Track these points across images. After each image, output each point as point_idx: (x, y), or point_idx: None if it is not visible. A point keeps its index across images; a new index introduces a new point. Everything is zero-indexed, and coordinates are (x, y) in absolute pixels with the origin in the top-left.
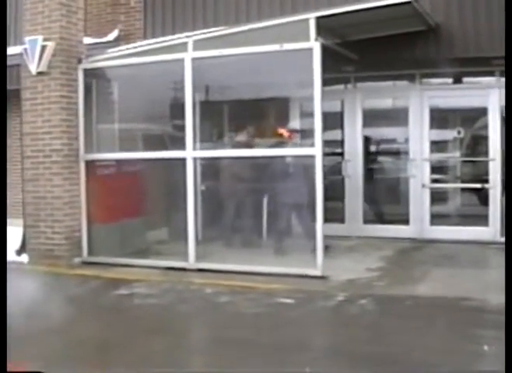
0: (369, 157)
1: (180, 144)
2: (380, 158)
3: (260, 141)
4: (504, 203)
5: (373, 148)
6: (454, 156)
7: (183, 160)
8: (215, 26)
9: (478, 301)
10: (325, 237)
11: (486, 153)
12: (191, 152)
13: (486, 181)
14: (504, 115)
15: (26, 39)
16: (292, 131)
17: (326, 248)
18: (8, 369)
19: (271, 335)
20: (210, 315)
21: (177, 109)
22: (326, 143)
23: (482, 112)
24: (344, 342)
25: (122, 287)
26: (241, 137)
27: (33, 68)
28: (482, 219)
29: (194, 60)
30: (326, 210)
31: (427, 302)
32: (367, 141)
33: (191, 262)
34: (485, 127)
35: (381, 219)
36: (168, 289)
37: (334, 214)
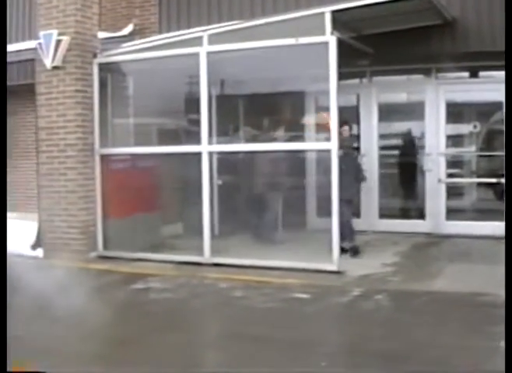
0: (385, 151)
1: (195, 138)
2: (396, 153)
3: (276, 134)
4: None
5: (389, 143)
6: (469, 151)
7: (198, 154)
8: (230, 20)
9: (493, 297)
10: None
11: (502, 147)
12: (207, 147)
13: (502, 176)
14: None
15: (41, 33)
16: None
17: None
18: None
19: (285, 330)
20: (225, 310)
21: (192, 103)
22: None
23: (498, 106)
24: (358, 338)
25: (138, 282)
26: (279, 132)
27: (47, 63)
28: (498, 214)
29: (209, 54)
30: None
31: (442, 298)
32: (383, 135)
33: (207, 256)
34: (501, 121)
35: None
36: (183, 284)
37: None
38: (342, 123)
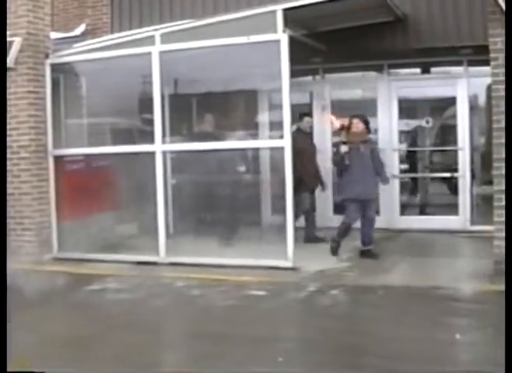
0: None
1: (149, 137)
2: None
3: (230, 133)
4: (474, 192)
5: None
6: (423, 146)
7: (152, 154)
8: (182, 19)
9: (448, 290)
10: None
11: (455, 142)
12: (160, 146)
13: (455, 170)
14: (472, 104)
15: None
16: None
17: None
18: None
19: (243, 327)
20: (182, 309)
21: (146, 102)
22: None
23: (451, 101)
24: (316, 333)
25: (93, 283)
26: (205, 126)
27: None
28: (452, 208)
29: (161, 53)
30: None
31: (398, 292)
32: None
33: (162, 256)
34: (454, 116)
35: None
36: (139, 284)
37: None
38: (352, 116)
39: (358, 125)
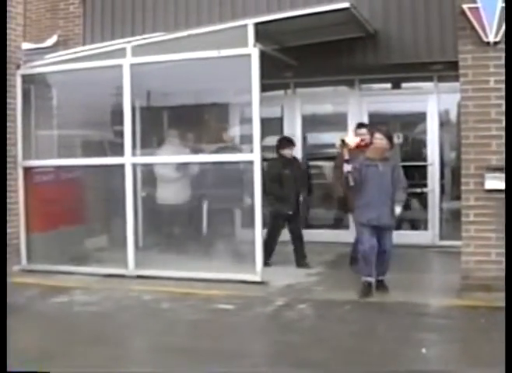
0: (309, 162)
1: (119, 150)
2: (319, 163)
3: (201, 146)
4: (443, 207)
5: (313, 153)
6: None
7: (122, 166)
8: (154, 31)
9: (416, 305)
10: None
11: (425, 158)
12: (130, 158)
13: (425, 185)
14: (442, 120)
15: None
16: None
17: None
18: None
19: (210, 342)
20: (149, 322)
21: (117, 115)
22: (266, 148)
23: (421, 117)
24: (283, 347)
25: (61, 295)
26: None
27: None
28: (423, 223)
29: (132, 66)
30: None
31: (366, 306)
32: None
33: (131, 269)
34: (424, 132)
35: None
36: (107, 296)
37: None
38: (359, 125)
39: (381, 141)
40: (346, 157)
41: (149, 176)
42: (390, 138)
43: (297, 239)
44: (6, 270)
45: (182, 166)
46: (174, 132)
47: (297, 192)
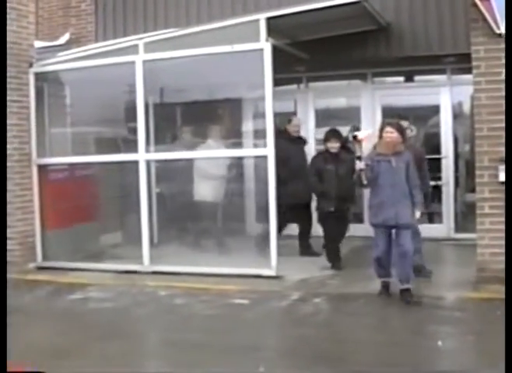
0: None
1: (133, 146)
2: None
3: (214, 141)
4: (458, 200)
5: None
6: None
7: (136, 163)
8: (166, 28)
9: (432, 298)
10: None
11: (439, 150)
12: (144, 155)
13: (439, 178)
14: (455, 112)
15: None
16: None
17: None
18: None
19: (225, 337)
20: (165, 318)
21: (130, 111)
22: None
23: (434, 110)
24: (298, 341)
25: (77, 292)
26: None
27: None
28: (436, 216)
29: (145, 62)
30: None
31: (381, 299)
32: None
33: (146, 265)
34: (438, 124)
35: None
36: (123, 292)
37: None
38: (385, 122)
39: (391, 134)
40: (358, 153)
41: (163, 172)
42: (401, 131)
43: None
44: (6, 270)
45: (223, 163)
46: (217, 128)
47: (342, 188)
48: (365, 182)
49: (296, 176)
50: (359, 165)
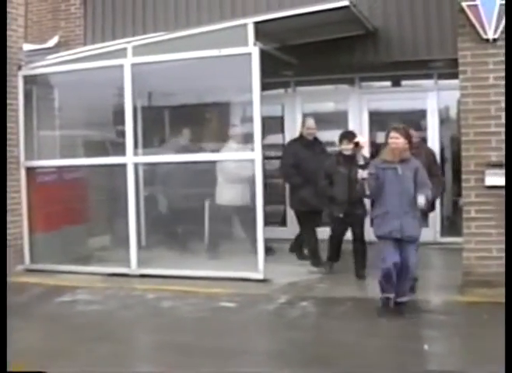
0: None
1: (121, 149)
2: None
3: (202, 145)
4: (444, 204)
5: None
6: None
7: (123, 166)
8: (155, 31)
9: (418, 302)
10: (268, 240)
11: (426, 154)
12: (132, 158)
13: None
14: (442, 117)
15: None
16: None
17: (268, 250)
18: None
19: (213, 339)
20: (153, 320)
21: (119, 115)
22: (268, 147)
23: (421, 114)
24: (285, 345)
25: (65, 294)
26: (182, 140)
27: None
28: (423, 220)
29: (133, 65)
30: (268, 214)
31: (369, 303)
32: None
33: (133, 268)
34: (424, 129)
35: None
36: (111, 295)
37: (276, 218)
38: (391, 128)
39: (396, 140)
40: (361, 162)
41: (151, 175)
42: (408, 137)
43: (357, 246)
44: (6, 270)
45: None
46: (237, 129)
47: (355, 192)
48: (368, 192)
49: (309, 182)
50: (362, 173)
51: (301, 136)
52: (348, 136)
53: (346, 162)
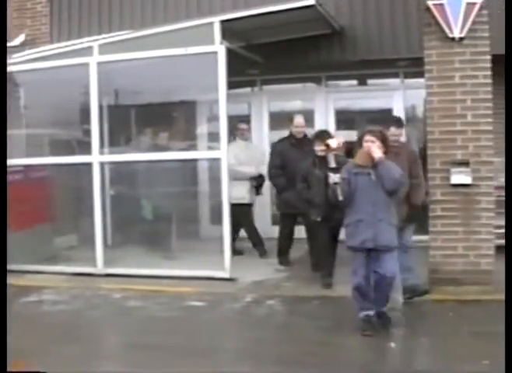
0: None
1: (87, 148)
2: None
3: (169, 144)
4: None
5: None
6: None
7: (89, 165)
8: (121, 30)
9: None
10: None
11: None
12: (98, 157)
13: None
14: (408, 116)
15: None
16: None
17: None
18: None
19: (182, 339)
20: (120, 320)
21: (85, 113)
22: None
23: (387, 113)
24: (253, 343)
25: (31, 295)
26: (161, 140)
27: None
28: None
29: (99, 64)
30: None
31: (334, 302)
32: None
33: (100, 267)
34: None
35: None
36: (77, 295)
37: None
38: (366, 130)
39: (371, 143)
40: (332, 165)
41: (118, 174)
42: (384, 140)
43: (335, 251)
44: (6, 270)
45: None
46: (245, 126)
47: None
48: (340, 197)
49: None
50: (333, 178)
51: (290, 134)
52: (321, 136)
53: (322, 163)
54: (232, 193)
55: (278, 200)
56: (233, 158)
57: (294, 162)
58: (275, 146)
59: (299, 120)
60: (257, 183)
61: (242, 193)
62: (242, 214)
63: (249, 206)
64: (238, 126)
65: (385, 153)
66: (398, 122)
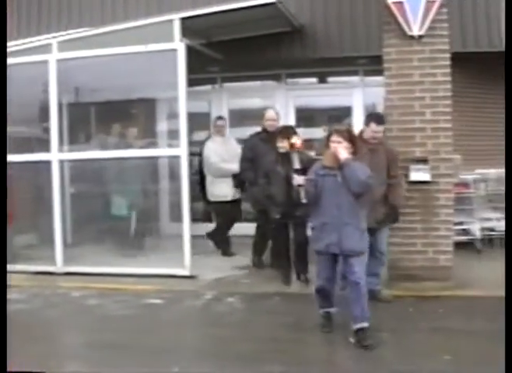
0: None
1: (47, 146)
2: None
3: (129, 141)
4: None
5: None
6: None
7: (48, 163)
8: (81, 27)
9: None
10: (196, 237)
11: None
12: (57, 154)
13: None
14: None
15: None
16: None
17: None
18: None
19: (141, 337)
20: (79, 319)
21: (44, 111)
22: (194, 143)
23: (347, 111)
24: (213, 341)
25: None
26: (108, 137)
27: None
28: None
29: (58, 61)
30: (194, 210)
31: (293, 299)
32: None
33: (59, 266)
34: (350, 125)
35: None
36: (36, 294)
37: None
38: (333, 129)
39: (338, 144)
40: (296, 166)
41: (77, 172)
42: (352, 140)
43: (297, 249)
44: (6, 270)
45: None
46: (222, 122)
47: (293, 192)
48: (304, 200)
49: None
50: (298, 180)
51: (263, 129)
52: (284, 132)
53: (284, 160)
54: (214, 191)
55: (246, 195)
56: (215, 155)
57: (263, 157)
58: (246, 141)
59: (270, 113)
60: (239, 180)
61: (224, 190)
62: (224, 212)
63: (232, 203)
64: (215, 122)
65: (354, 153)
66: (378, 118)
